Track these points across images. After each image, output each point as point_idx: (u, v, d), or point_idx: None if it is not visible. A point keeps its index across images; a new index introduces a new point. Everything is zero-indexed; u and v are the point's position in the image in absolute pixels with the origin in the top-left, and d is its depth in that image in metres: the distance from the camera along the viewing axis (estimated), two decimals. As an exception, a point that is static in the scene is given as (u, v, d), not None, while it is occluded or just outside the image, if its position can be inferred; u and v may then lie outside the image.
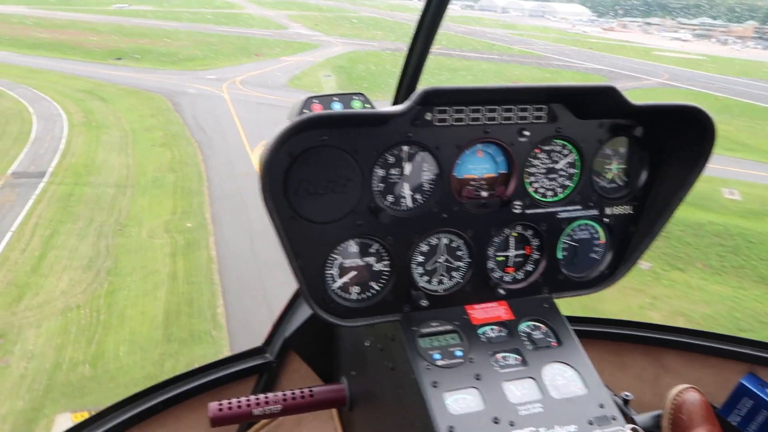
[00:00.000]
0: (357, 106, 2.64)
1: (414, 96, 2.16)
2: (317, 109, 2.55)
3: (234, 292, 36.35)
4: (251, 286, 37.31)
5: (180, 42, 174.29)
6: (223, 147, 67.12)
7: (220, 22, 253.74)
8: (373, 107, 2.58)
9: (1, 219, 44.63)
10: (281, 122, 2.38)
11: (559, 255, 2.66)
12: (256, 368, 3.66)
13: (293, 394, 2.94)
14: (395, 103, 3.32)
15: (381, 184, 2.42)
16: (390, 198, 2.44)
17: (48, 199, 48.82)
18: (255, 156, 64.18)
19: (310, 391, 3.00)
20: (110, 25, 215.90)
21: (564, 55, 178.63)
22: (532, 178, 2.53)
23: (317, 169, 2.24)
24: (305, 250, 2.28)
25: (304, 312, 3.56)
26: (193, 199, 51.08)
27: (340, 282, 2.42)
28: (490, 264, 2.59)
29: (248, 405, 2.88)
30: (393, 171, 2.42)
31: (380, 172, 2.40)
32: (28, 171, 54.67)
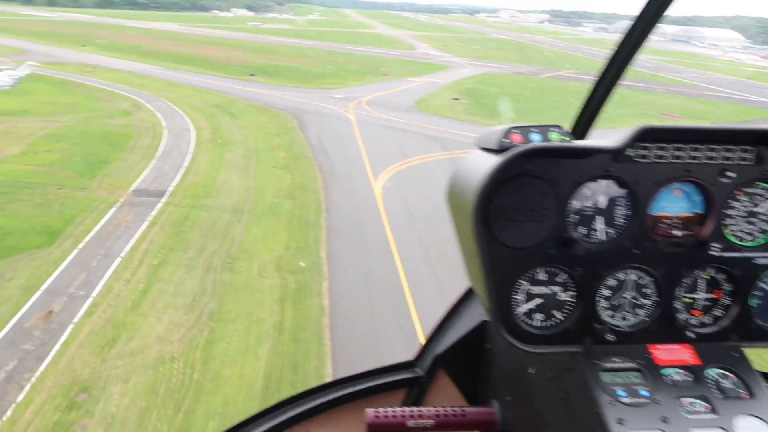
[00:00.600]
0: (555, 138, 2.45)
1: (631, 133, 2.17)
2: (517, 139, 2.41)
3: (345, 359, 30.46)
4: (364, 351, 31.32)
5: (310, 60, 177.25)
6: (344, 172, 62.72)
7: (349, 40, 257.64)
8: (570, 139, 2.44)
9: (114, 241, 42.20)
10: (468, 149, 2.62)
11: (753, 302, 2.46)
12: (406, 382, 3.61)
13: (445, 411, 2.89)
14: (574, 132, 3.09)
15: (575, 216, 2.34)
16: (582, 230, 2.36)
17: (163, 222, 46.18)
18: (377, 185, 58.93)
19: (462, 410, 2.92)
20: (247, 42, 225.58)
21: (719, 85, 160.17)
22: (730, 221, 2.39)
23: (518, 197, 2.21)
24: (496, 274, 2.26)
25: (456, 331, 3.35)
26: (309, 233, 46.37)
27: (525, 308, 2.36)
28: (677, 305, 2.46)
29: (403, 416, 2.86)
30: (588, 203, 2.33)
31: (576, 203, 2.33)
32: (149, 189, 53.01)
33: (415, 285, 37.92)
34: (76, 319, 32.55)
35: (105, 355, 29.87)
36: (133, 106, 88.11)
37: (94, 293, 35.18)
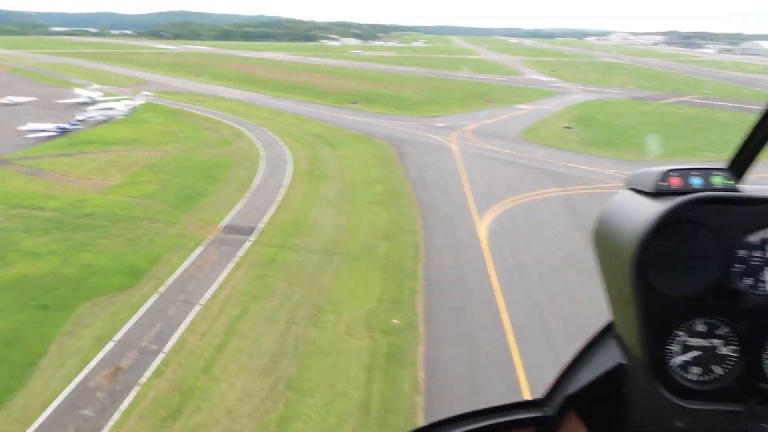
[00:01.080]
0: (718, 182, 2.34)
1: None
2: (676, 183, 2.31)
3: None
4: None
5: (412, 87, 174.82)
6: (446, 210, 57.20)
7: (453, 67, 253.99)
8: (734, 182, 2.34)
9: (197, 285, 39.25)
10: (614, 191, 2.55)
11: None
12: (535, 421, 3.34)
13: None
14: (732, 167, 2.69)
15: (741, 265, 2.20)
16: (749, 281, 2.20)
17: (249, 264, 42.87)
18: (482, 226, 52.81)
19: None
20: (351, 69, 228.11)
21: None
22: None
23: (678, 244, 2.12)
24: (651, 323, 2.18)
25: (590, 371, 3.03)
26: (404, 283, 41.12)
27: (680, 359, 2.24)
28: None
29: None
30: (756, 253, 2.18)
31: (742, 252, 2.18)
32: (239, 225, 50.37)
33: (529, 359, 31.37)
34: (143, 380, 29.25)
35: (167, 429, 26.03)
36: (235, 135, 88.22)
37: (167, 348, 31.90)
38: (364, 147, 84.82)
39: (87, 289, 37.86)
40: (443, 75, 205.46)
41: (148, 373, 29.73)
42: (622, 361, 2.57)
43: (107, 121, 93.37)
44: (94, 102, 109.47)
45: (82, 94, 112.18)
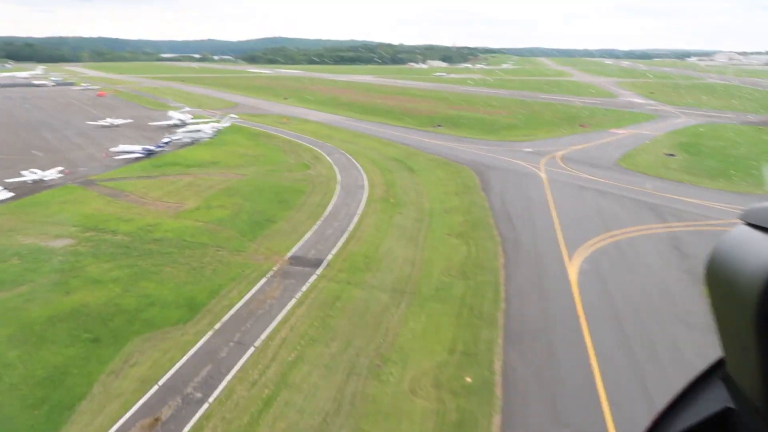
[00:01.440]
0: None
1: None
2: None
3: None
4: None
5: (499, 110, 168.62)
6: (532, 247, 51.66)
7: (544, 89, 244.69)
8: None
9: (253, 324, 36.41)
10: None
11: None
12: None
13: None
14: None
15: None
16: None
17: (311, 301, 39.60)
18: (573, 267, 46.90)
19: None
20: (437, 92, 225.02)
21: None
22: None
23: None
24: None
25: (692, 414, 2.74)
26: (481, 332, 36.21)
27: None
28: None
29: None
30: None
31: None
32: (306, 257, 47.48)
33: (630, 444, 25.58)
34: (180, 436, 26.22)
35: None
36: (314, 158, 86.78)
37: (212, 397, 28.91)
38: (445, 173, 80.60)
39: (141, 322, 35.92)
40: (532, 97, 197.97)
41: (187, 428, 26.72)
42: (730, 405, 2.31)
43: (192, 143, 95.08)
44: (183, 124, 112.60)
45: (174, 116, 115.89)
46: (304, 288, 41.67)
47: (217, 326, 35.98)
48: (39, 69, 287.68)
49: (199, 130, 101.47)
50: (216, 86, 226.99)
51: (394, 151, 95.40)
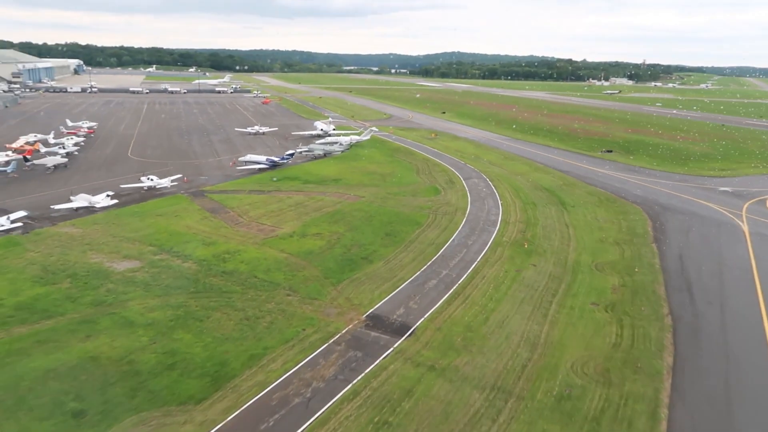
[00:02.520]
0: None
1: None
2: None
3: None
4: None
5: (690, 135, 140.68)
6: (720, 340, 35.07)
7: (750, 114, 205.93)
8: None
9: (286, 416, 26.15)
10: None
11: None
12: None
13: None
14: None
15: None
16: None
17: (369, 394, 28.35)
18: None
19: None
20: (613, 111, 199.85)
21: None
22: None
23: None
24: None
25: None
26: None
27: None
28: None
29: None
30: None
31: None
32: (389, 318, 36.27)
33: None
34: None
35: None
36: (448, 181, 75.24)
37: None
38: (607, 212, 64.22)
39: (146, 394, 27.57)
40: (736, 123, 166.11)
41: None
42: None
43: (325, 155, 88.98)
44: (325, 134, 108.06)
45: (319, 126, 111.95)
46: (369, 368, 30.51)
47: (232, 416, 26.24)
48: (226, 77, 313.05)
49: (335, 143, 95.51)
50: (379, 98, 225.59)
51: (547, 180, 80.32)
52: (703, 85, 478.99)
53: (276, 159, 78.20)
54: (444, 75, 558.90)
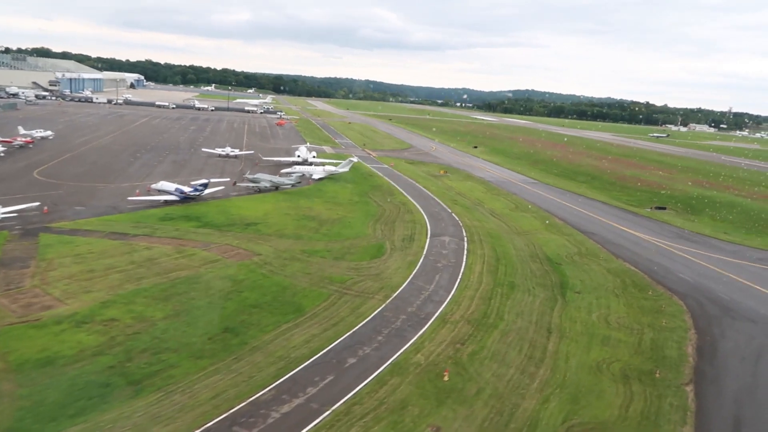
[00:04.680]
0: None
1: None
2: None
3: None
4: None
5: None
6: None
7: None
8: None
9: None
10: None
11: None
12: None
13: None
14: None
15: None
16: None
17: None
18: None
19: None
20: (682, 159, 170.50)
21: None
22: None
23: None
24: None
25: None
26: None
27: None
28: None
29: None
30: None
31: None
32: None
33: None
34: None
35: None
36: (406, 239, 53.74)
37: None
38: (628, 307, 41.32)
39: None
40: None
41: None
42: None
43: (276, 189, 69.42)
44: (304, 162, 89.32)
45: (302, 154, 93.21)
46: None
47: None
48: (268, 98, 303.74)
49: (302, 174, 76.28)
50: (416, 128, 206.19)
51: (557, 244, 57.55)
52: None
53: (187, 190, 59.29)
54: (507, 110, 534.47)
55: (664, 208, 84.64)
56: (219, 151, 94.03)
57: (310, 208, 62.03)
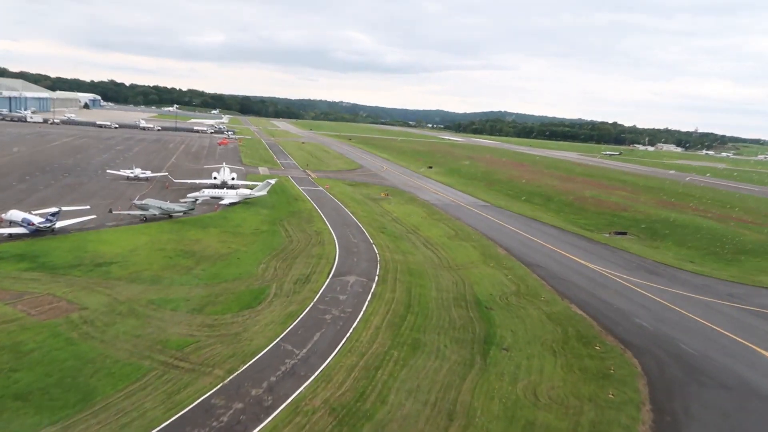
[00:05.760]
0: None
1: None
2: None
3: None
4: None
5: (744, 215, 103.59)
6: None
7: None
8: None
9: None
10: None
11: None
12: None
13: None
14: None
15: None
16: None
17: None
18: None
19: None
20: (646, 178, 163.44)
21: None
22: None
23: None
24: None
25: None
26: None
27: None
28: None
29: None
30: None
31: None
32: None
33: None
34: None
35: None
36: (297, 282, 43.29)
37: None
38: (566, 370, 31.94)
39: None
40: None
41: None
42: None
43: (170, 216, 58.57)
44: (222, 185, 78.64)
45: (221, 176, 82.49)
46: None
47: None
48: (225, 118, 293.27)
49: (198, 199, 65.48)
50: (374, 148, 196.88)
51: (491, 281, 47.82)
52: (761, 156, 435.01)
53: (37, 221, 48.06)
54: (477, 131, 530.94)
55: (625, 233, 75.79)
56: (125, 173, 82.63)
57: (198, 240, 51.17)
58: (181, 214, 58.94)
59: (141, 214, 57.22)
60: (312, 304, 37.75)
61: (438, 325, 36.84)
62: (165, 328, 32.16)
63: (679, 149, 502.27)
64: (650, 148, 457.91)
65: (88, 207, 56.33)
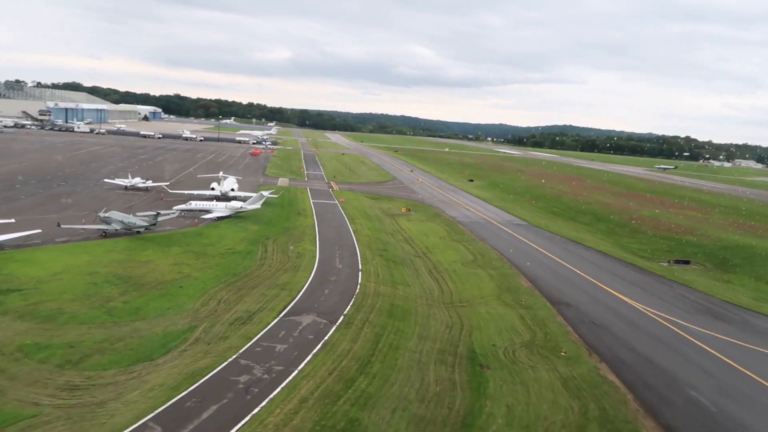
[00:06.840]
0: None
1: None
2: None
3: None
4: None
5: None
6: None
7: None
8: None
9: None
10: None
11: None
12: None
13: None
14: None
15: None
16: None
17: None
18: None
19: None
20: (720, 197, 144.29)
21: None
22: None
23: None
24: None
25: None
26: None
27: None
28: None
29: None
30: None
31: None
32: None
33: None
34: None
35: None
36: (240, 321, 33.92)
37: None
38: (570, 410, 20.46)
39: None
40: None
41: None
42: None
43: (137, 232, 50.88)
44: (221, 197, 71.29)
45: (221, 187, 75.00)
46: None
47: None
48: (274, 130, 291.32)
49: (170, 214, 57.26)
50: (416, 159, 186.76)
51: (500, 325, 37.31)
52: None
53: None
54: (537, 144, 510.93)
55: (688, 262, 62.50)
56: (121, 182, 76.49)
57: (147, 263, 42.85)
58: (142, 229, 51.14)
59: (99, 229, 49.75)
60: (233, 357, 28.15)
61: (399, 395, 26.48)
62: (6, 390, 23.51)
63: (760, 165, 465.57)
64: (727, 164, 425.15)
65: (13, 221, 48.78)
